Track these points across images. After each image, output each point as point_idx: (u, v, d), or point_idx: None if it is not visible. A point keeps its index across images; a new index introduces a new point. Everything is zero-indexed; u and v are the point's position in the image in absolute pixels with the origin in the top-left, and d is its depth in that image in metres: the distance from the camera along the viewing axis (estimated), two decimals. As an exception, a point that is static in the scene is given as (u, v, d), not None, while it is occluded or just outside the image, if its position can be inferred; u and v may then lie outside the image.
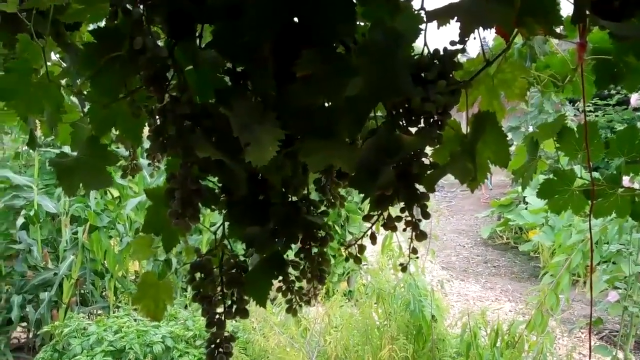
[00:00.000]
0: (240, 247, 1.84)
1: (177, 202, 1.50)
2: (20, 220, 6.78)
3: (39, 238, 7.00)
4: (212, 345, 1.70)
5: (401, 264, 1.67)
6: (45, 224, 7.18)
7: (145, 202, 6.79)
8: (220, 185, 1.65)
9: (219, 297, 1.70)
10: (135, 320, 5.78)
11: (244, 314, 1.68)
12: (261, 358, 3.81)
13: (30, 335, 6.95)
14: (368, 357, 3.28)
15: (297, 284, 1.70)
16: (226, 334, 1.69)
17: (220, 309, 1.69)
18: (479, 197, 17.46)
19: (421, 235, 1.51)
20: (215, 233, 1.73)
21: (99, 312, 7.00)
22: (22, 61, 1.50)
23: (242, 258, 1.74)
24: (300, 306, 1.72)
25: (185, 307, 6.07)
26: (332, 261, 8.12)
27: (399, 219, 1.52)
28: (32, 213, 6.80)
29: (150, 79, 1.48)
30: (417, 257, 1.63)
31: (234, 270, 1.68)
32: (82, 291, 7.12)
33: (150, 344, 5.35)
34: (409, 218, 1.52)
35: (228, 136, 1.35)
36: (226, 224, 1.73)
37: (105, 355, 5.33)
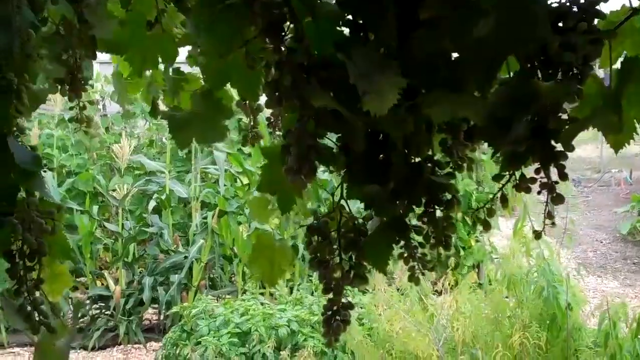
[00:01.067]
0: (359, 210, 1.73)
1: (293, 158, 1.41)
2: (152, 204, 6.97)
3: (170, 222, 7.19)
4: (329, 313, 1.61)
5: (535, 231, 1.52)
6: (176, 209, 7.35)
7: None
8: (338, 144, 1.56)
9: (337, 262, 1.61)
10: (262, 304, 5.81)
11: (363, 280, 1.58)
12: (386, 343, 3.71)
13: (161, 317, 7.13)
14: (497, 345, 3.12)
15: (421, 250, 1.58)
16: (344, 301, 1.60)
17: (337, 274, 1.60)
18: (617, 192, 16.67)
19: (558, 199, 1.36)
20: (333, 194, 1.63)
21: (227, 295, 7.10)
22: (135, 13, 1.47)
23: (361, 221, 1.64)
24: (423, 274, 1.60)
25: (312, 293, 6.04)
26: (462, 252, 7.92)
27: (533, 180, 1.38)
28: (164, 197, 6.97)
29: (266, 28, 1.41)
30: (554, 224, 1.48)
31: (352, 234, 1.59)
32: (211, 275, 7.24)
33: (275, 327, 5.36)
34: (545, 179, 1.37)
35: (346, 87, 1.26)
36: (344, 185, 1.63)
37: (231, 337, 5.39)
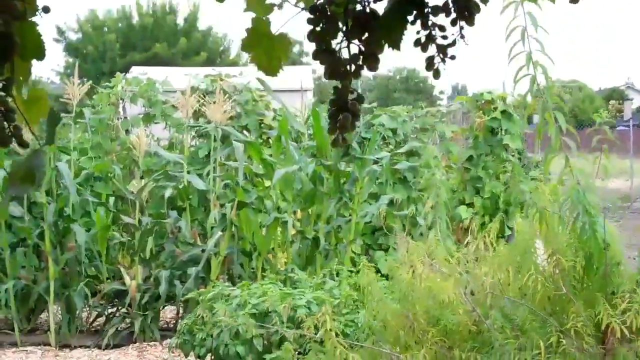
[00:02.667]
0: None
1: None
2: (168, 192, 6.82)
3: (189, 216, 7.01)
4: (335, 107, 1.40)
5: None
6: (194, 202, 7.18)
7: (293, 173, 6.65)
8: None
9: (345, 47, 1.41)
10: (280, 289, 5.59)
11: (374, 60, 1.38)
12: (409, 291, 3.48)
13: (179, 314, 6.93)
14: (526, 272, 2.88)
15: (440, 33, 1.38)
16: (354, 94, 1.40)
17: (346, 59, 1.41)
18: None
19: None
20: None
21: (246, 290, 6.87)
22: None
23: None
24: (444, 61, 1.40)
25: (333, 278, 5.80)
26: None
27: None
28: (181, 187, 6.82)
29: None
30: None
31: (362, 14, 1.39)
32: (230, 271, 7.03)
33: (294, 308, 5.13)
34: None
35: None
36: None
37: (249, 317, 5.16)
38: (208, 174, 7.23)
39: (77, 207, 6.92)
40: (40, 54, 1.55)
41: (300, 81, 9.75)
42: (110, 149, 8.49)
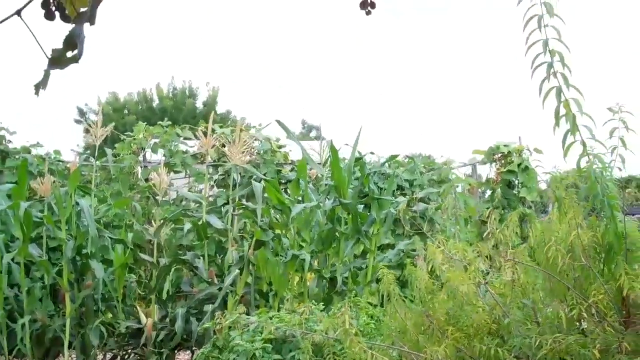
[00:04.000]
0: None
1: None
2: (187, 227, 6.85)
3: (206, 254, 7.03)
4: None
5: None
6: (211, 240, 7.21)
7: (311, 211, 6.69)
8: None
9: None
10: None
11: None
12: (428, 290, 3.46)
13: (193, 355, 6.87)
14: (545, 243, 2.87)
15: None
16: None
17: None
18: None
19: None
20: None
21: (262, 331, 6.81)
22: None
23: None
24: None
25: (350, 307, 5.74)
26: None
27: None
28: (199, 225, 6.85)
29: None
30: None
31: None
32: (247, 310, 6.98)
33: (310, 339, 5.07)
34: None
35: None
36: None
37: (264, 343, 5.12)
38: (226, 214, 7.27)
39: (96, 245, 6.95)
40: None
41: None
42: (130, 197, 8.58)
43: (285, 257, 6.71)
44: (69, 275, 6.89)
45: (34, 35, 1.62)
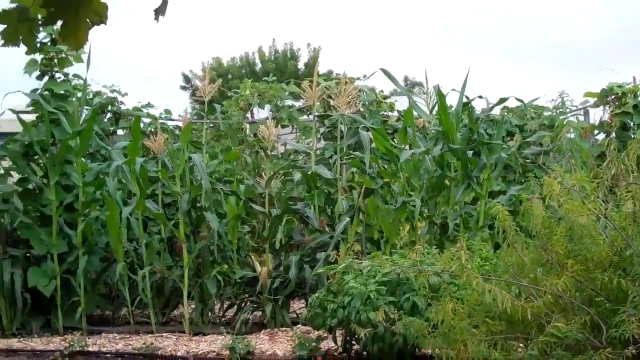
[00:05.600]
0: None
1: None
2: (297, 177, 6.94)
3: (317, 204, 7.11)
4: None
5: None
6: (320, 191, 7.28)
7: (420, 156, 6.65)
8: None
9: None
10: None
11: None
12: (545, 224, 3.40)
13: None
14: None
15: None
16: None
17: None
18: None
19: None
20: None
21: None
22: None
23: None
24: None
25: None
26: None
27: None
28: (309, 173, 6.93)
29: None
30: None
31: None
32: (358, 257, 7.04)
33: (426, 275, 5.07)
34: None
35: None
36: None
37: (379, 285, 5.15)
38: (334, 164, 7.32)
39: (210, 198, 7.14)
40: None
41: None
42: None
43: (396, 205, 6.70)
44: (185, 228, 7.13)
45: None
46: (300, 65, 46.41)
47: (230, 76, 44.61)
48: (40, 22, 1.86)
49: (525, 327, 3.59)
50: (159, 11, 1.74)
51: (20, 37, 1.89)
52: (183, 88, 46.78)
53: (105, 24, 1.80)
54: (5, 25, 1.91)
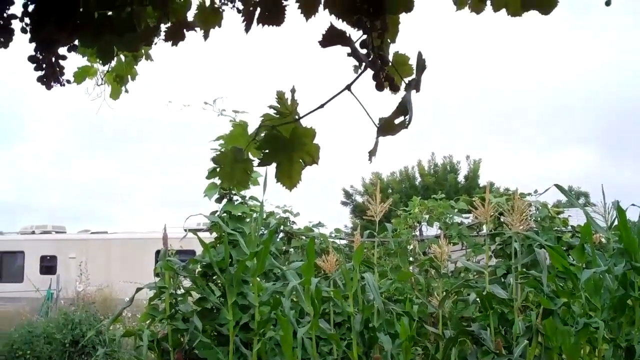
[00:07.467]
0: None
1: None
2: (472, 297, 6.81)
3: (492, 325, 6.92)
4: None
5: None
6: (494, 311, 7.09)
7: (601, 275, 6.37)
8: None
9: None
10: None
11: None
12: None
13: None
14: None
15: None
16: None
17: None
18: None
19: None
20: None
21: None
22: None
23: None
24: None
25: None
26: None
27: None
28: (484, 293, 6.79)
29: None
30: None
31: None
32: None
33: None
34: None
35: None
36: None
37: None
38: (508, 284, 7.14)
39: (382, 318, 7.12)
40: (408, 6, 1.74)
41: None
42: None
43: (577, 326, 6.41)
44: (358, 349, 7.11)
45: (363, 107, 1.75)
46: (460, 178, 46.28)
47: (390, 190, 45.14)
48: (254, 164, 2.00)
49: None
50: (372, 153, 1.82)
51: (237, 178, 2.03)
52: (344, 204, 47.68)
53: (318, 165, 1.90)
54: (223, 166, 2.06)
